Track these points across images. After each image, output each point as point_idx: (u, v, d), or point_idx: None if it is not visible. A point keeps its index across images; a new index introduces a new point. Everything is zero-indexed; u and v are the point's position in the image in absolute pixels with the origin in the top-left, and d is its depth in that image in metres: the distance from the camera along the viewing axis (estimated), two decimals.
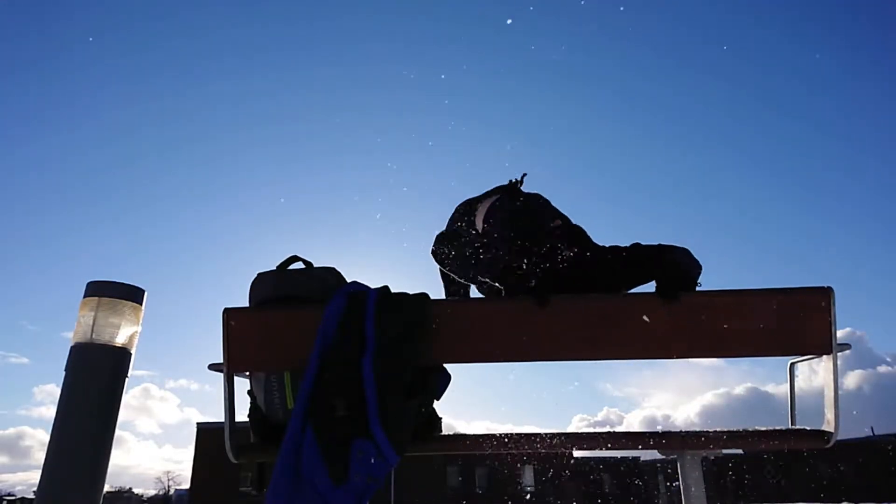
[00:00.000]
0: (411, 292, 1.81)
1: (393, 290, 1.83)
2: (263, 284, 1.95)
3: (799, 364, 1.93)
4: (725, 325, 1.69)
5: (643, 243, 2.05)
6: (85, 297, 2.02)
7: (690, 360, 1.83)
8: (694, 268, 1.89)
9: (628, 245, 2.07)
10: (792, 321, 1.67)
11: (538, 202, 2.26)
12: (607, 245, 2.14)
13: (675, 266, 1.86)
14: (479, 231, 2.25)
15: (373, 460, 1.55)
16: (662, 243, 2.00)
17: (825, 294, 1.66)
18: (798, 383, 1.99)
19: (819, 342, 1.66)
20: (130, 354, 2.08)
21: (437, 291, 2.30)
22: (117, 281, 2.06)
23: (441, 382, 1.84)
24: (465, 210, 2.39)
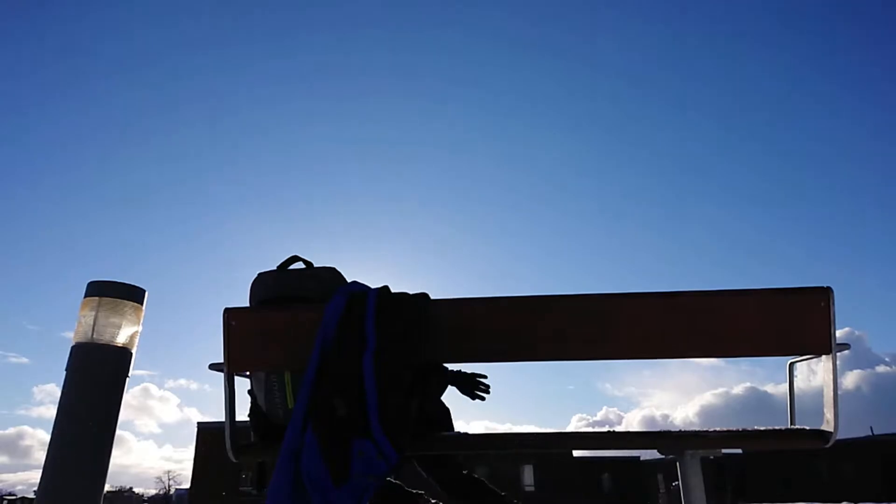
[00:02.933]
0: (412, 292, 1.82)
1: (393, 290, 1.83)
2: (264, 284, 1.96)
3: (798, 364, 1.94)
4: (725, 325, 1.69)
5: None
6: (86, 296, 2.02)
7: (690, 360, 1.83)
8: None
9: None
10: (791, 321, 1.67)
11: None
12: None
13: None
14: None
15: (373, 460, 1.56)
16: None
17: (824, 294, 1.66)
18: (797, 383, 1.99)
19: (818, 342, 1.66)
20: (131, 354, 2.08)
21: (438, 292, 2.28)
22: (118, 281, 2.06)
23: (442, 382, 1.84)
24: None
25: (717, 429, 1.78)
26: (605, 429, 1.86)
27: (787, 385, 1.98)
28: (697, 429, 1.78)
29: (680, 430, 1.79)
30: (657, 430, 1.81)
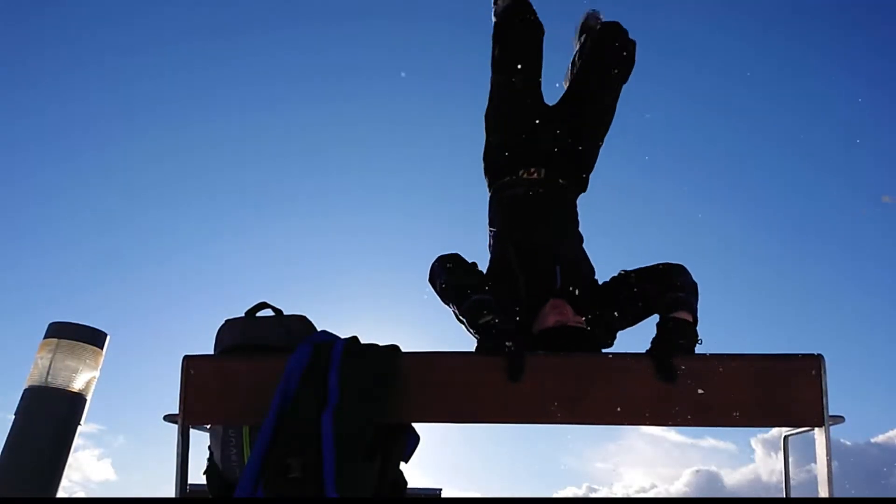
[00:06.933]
0: (383, 343, 1.73)
1: (366, 342, 1.74)
2: (230, 332, 1.87)
3: (792, 437, 1.83)
4: (709, 392, 1.58)
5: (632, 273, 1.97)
6: (45, 338, 1.93)
7: (658, 434, 1.72)
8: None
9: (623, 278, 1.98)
10: (780, 390, 1.57)
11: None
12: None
13: (677, 325, 1.75)
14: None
15: None
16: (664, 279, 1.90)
17: (815, 361, 1.57)
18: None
19: (810, 413, 1.56)
20: (86, 401, 1.98)
21: (421, 344, 2.17)
22: (79, 323, 1.97)
23: (409, 443, 1.73)
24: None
25: None
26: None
27: (754, 466, 1.87)
28: None
29: None
30: None
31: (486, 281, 1.97)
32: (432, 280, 2.02)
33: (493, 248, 2.22)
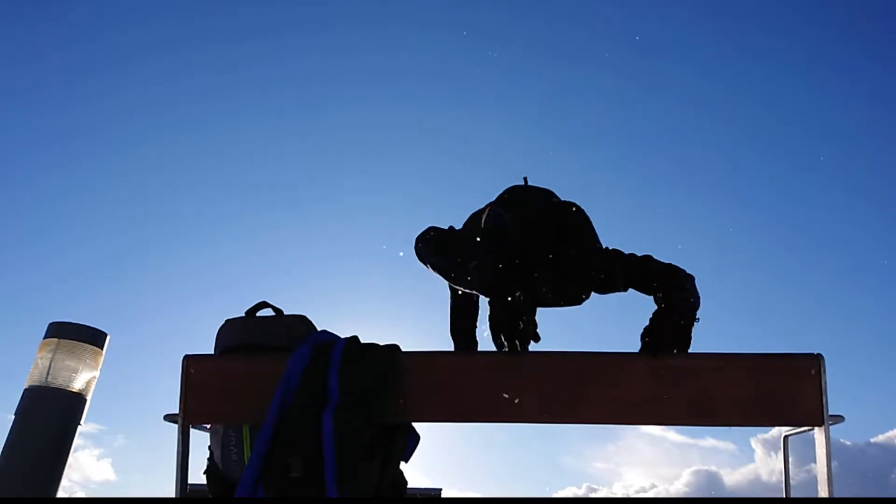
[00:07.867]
0: (383, 343, 1.73)
1: (366, 341, 1.74)
2: (230, 331, 1.87)
3: (792, 437, 1.83)
4: (708, 391, 1.59)
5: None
6: (45, 338, 1.94)
7: (656, 434, 1.72)
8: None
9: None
10: (780, 390, 1.57)
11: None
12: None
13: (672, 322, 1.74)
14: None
15: None
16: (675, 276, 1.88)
17: (814, 361, 1.57)
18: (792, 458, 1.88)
19: (809, 413, 1.56)
20: (86, 401, 1.98)
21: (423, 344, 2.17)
22: (79, 323, 1.98)
23: (409, 443, 1.73)
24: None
25: None
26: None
27: (754, 466, 1.87)
28: None
29: None
30: None
31: (475, 241, 1.93)
32: (422, 260, 1.95)
33: (487, 217, 2.19)
